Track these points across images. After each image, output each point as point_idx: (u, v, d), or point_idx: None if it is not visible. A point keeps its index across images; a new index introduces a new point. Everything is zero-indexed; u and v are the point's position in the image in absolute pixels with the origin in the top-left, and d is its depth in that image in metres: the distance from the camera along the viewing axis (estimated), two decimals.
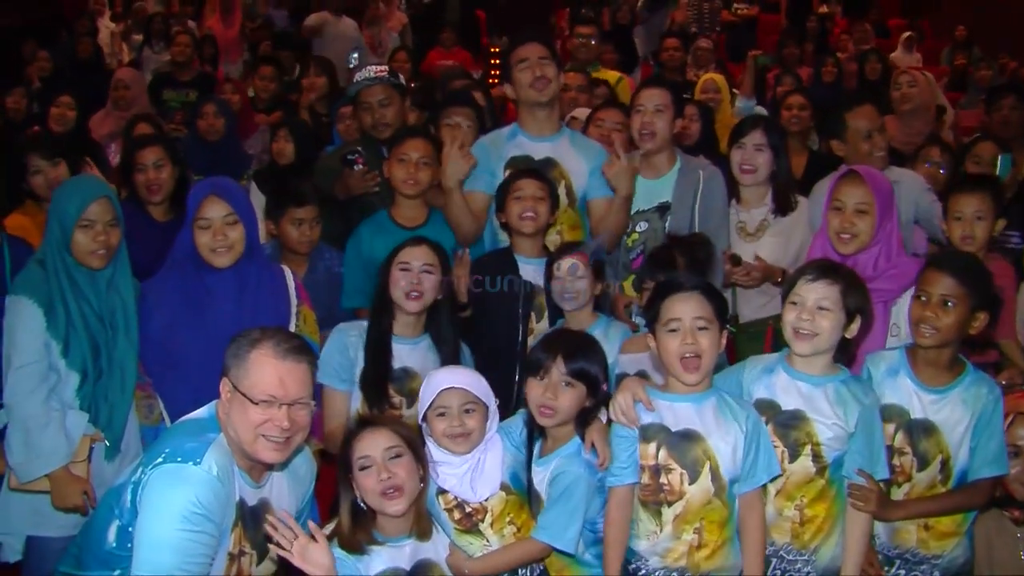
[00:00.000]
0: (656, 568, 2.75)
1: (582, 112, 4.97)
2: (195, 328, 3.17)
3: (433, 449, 2.85)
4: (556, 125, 4.03)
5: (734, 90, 6.97)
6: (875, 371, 3.02)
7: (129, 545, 2.40)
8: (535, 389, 2.83)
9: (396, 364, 3.28)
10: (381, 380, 3.25)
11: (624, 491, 2.76)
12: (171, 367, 3.21)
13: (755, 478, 2.74)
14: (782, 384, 2.87)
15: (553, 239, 3.80)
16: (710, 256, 3.56)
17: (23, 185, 4.13)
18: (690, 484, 2.71)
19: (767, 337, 3.84)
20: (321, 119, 6.12)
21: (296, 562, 2.48)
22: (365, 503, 2.72)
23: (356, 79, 4.60)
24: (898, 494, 2.97)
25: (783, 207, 4.01)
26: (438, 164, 3.85)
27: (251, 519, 2.56)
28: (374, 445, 2.70)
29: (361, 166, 4.33)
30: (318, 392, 2.96)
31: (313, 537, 2.52)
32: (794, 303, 2.82)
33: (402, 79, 4.77)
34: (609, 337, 3.36)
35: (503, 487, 2.87)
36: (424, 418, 2.86)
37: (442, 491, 2.86)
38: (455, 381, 2.83)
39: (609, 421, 2.84)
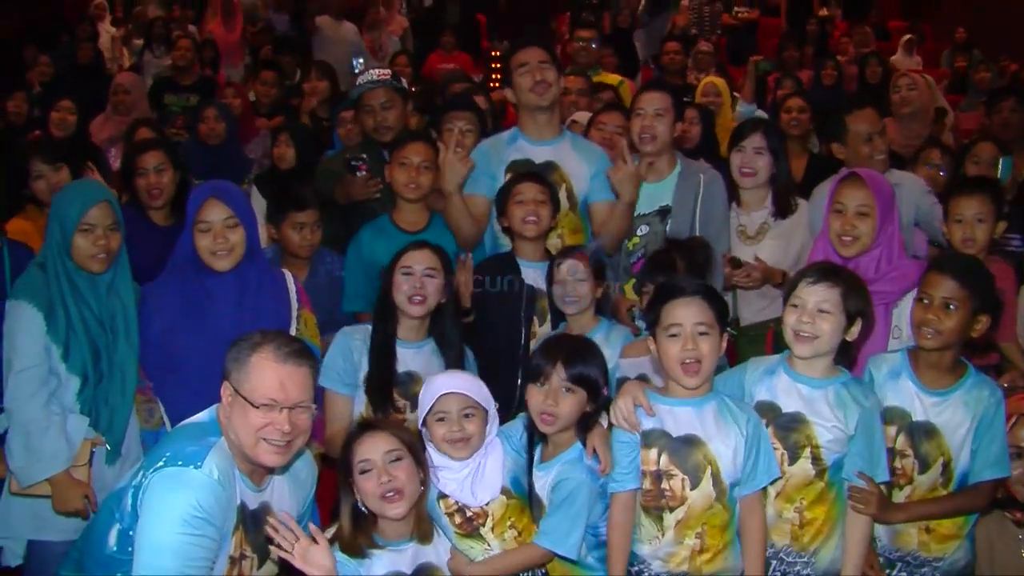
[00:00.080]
0: (659, 572, 2.75)
1: (582, 116, 4.97)
2: (195, 331, 3.17)
3: (433, 454, 2.85)
4: (557, 129, 4.03)
5: (735, 93, 6.97)
6: (877, 373, 3.02)
7: (130, 549, 2.39)
8: (536, 396, 2.83)
9: (400, 368, 3.28)
10: (385, 384, 3.24)
11: (627, 496, 2.76)
12: (171, 370, 3.20)
13: (755, 481, 2.74)
14: (783, 386, 2.87)
15: (554, 243, 3.80)
16: (709, 259, 3.56)
17: (25, 190, 4.14)
18: (692, 489, 2.71)
19: (768, 340, 3.84)
20: (322, 123, 6.12)
21: (297, 564, 2.48)
22: (366, 507, 2.72)
23: (359, 82, 4.61)
24: (899, 496, 2.97)
25: (783, 210, 4.01)
26: (439, 168, 3.86)
27: (252, 523, 2.56)
28: (374, 449, 2.70)
29: (364, 173, 4.34)
30: (320, 396, 2.97)
31: (314, 539, 2.52)
32: (795, 306, 2.82)
33: (404, 83, 4.78)
34: (610, 341, 3.36)
35: (504, 491, 2.87)
36: (424, 423, 2.86)
37: (443, 495, 2.86)
38: (454, 386, 2.83)
39: (610, 426, 2.84)
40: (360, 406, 3.27)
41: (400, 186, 3.89)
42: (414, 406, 3.18)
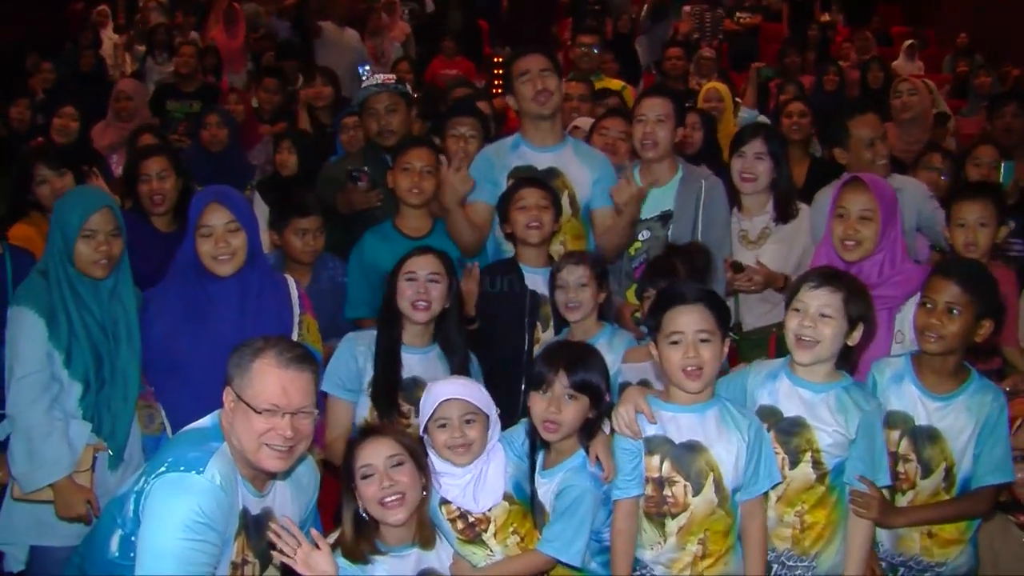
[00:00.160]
0: None
1: (584, 121, 4.97)
2: (197, 336, 3.17)
3: (435, 460, 2.84)
4: (559, 135, 4.02)
5: (737, 99, 6.98)
6: (880, 378, 3.02)
7: (132, 555, 2.39)
8: (539, 403, 2.82)
9: (405, 374, 3.27)
10: (391, 390, 3.24)
11: (630, 503, 2.76)
12: (173, 375, 3.20)
13: (757, 486, 2.74)
14: (784, 390, 2.87)
15: (557, 249, 3.79)
16: (709, 264, 3.56)
17: (28, 195, 4.14)
18: (694, 496, 2.71)
19: (770, 345, 3.83)
20: (324, 129, 6.13)
21: (299, 569, 2.48)
22: (367, 512, 2.72)
23: (363, 86, 4.62)
24: (902, 501, 2.97)
25: (784, 215, 4.02)
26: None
27: (254, 528, 2.56)
28: (376, 454, 2.70)
29: (364, 183, 4.35)
30: (322, 401, 2.97)
31: (316, 545, 2.52)
32: (797, 310, 2.82)
33: (409, 88, 4.79)
34: (613, 346, 3.36)
35: (506, 497, 2.86)
36: (425, 429, 2.86)
37: (445, 501, 2.85)
38: (455, 392, 2.82)
39: (612, 432, 2.84)
40: (364, 411, 3.26)
41: (403, 191, 3.89)
42: (419, 412, 3.18)
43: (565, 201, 3.84)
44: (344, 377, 3.27)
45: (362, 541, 2.72)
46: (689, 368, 2.70)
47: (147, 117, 6.73)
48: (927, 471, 2.94)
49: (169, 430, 3.19)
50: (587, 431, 2.84)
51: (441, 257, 3.34)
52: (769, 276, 3.79)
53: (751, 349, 3.92)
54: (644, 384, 3.14)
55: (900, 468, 2.95)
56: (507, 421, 3.02)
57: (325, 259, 4.09)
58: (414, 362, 3.29)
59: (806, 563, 2.84)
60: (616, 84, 6.57)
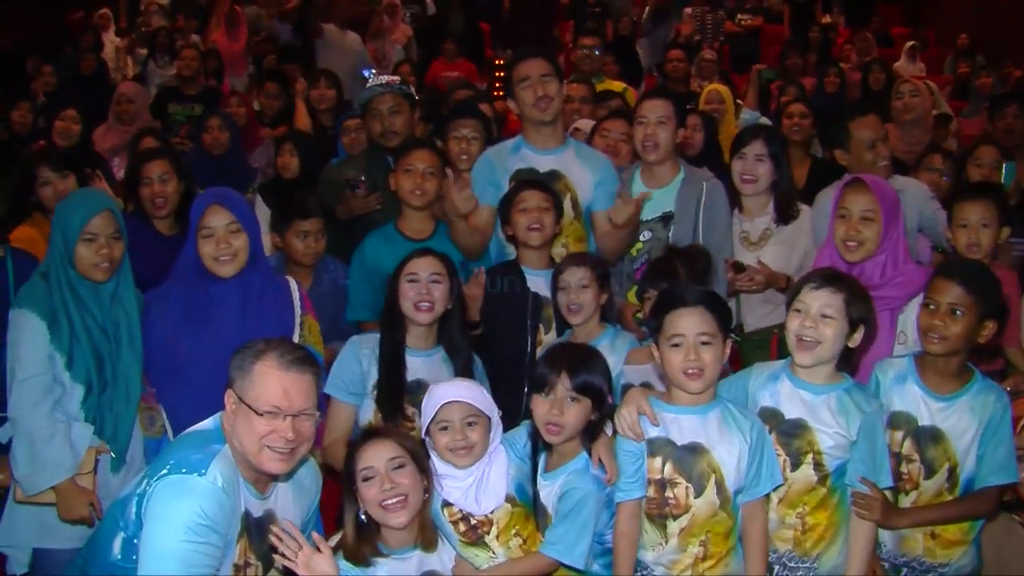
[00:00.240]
0: None
1: (585, 123, 4.98)
2: (199, 338, 3.17)
3: (437, 462, 2.84)
4: (561, 138, 4.01)
5: (738, 101, 6.98)
6: (883, 378, 3.02)
7: (134, 557, 2.39)
8: (541, 406, 2.82)
9: (410, 376, 3.26)
10: (396, 393, 3.23)
11: (632, 505, 2.76)
12: (174, 377, 3.20)
13: (758, 488, 2.74)
14: (786, 392, 2.87)
15: (559, 251, 3.79)
16: (709, 267, 3.56)
17: (31, 197, 4.15)
18: (696, 498, 2.71)
19: (772, 346, 3.83)
20: (326, 132, 6.13)
21: (301, 572, 2.47)
22: (368, 515, 2.72)
23: (368, 86, 4.62)
24: (905, 502, 2.97)
25: (785, 216, 4.02)
26: (444, 175, 3.86)
27: (256, 531, 2.56)
28: (377, 456, 2.70)
29: (362, 191, 4.35)
30: (324, 403, 2.96)
31: (318, 548, 2.52)
32: (798, 311, 2.82)
33: (412, 90, 4.79)
34: (616, 348, 3.37)
35: (508, 499, 2.86)
36: (427, 432, 2.85)
37: (447, 503, 2.85)
38: (456, 395, 2.82)
39: (614, 434, 2.84)
40: (368, 414, 3.26)
41: (405, 193, 3.89)
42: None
43: (567, 204, 3.83)
44: (347, 380, 3.27)
45: (364, 544, 2.72)
46: (690, 371, 2.70)
47: (148, 120, 6.73)
48: (930, 471, 2.93)
49: (170, 432, 3.19)
50: (589, 433, 2.83)
51: (442, 258, 3.33)
52: (771, 276, 3.79)
53: (753, 351, 3.92)
54: (646, 386, 3.13)
55: (903, 468, 2.95)
56: (509, 424, 3.02)
57: (326, 261, 4.10)
58: (418, 365, 3.29)
59: (807, 564, 2.84)
60: (618, 86, 6.58)
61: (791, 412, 2.84)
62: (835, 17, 12.40)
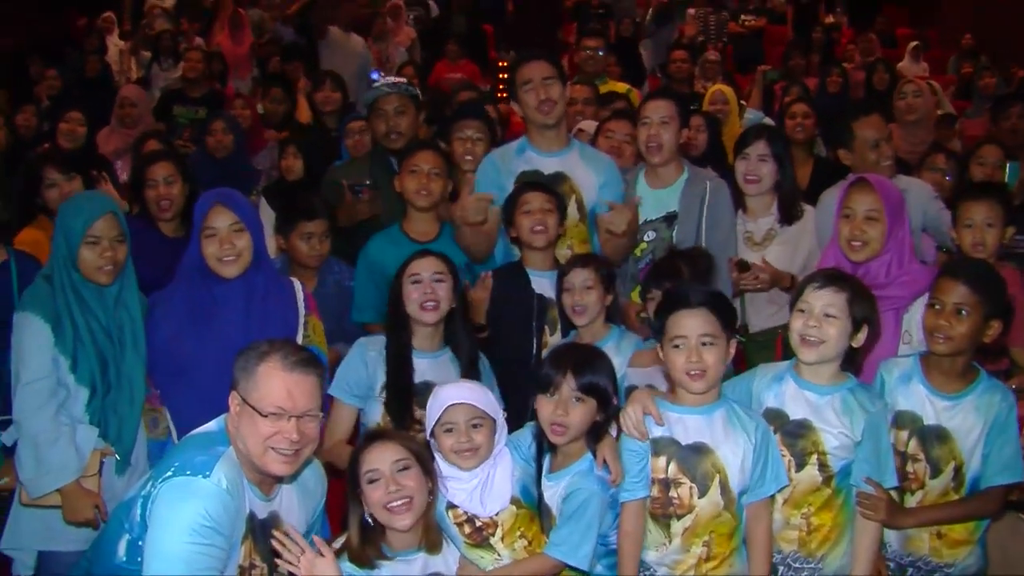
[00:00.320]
0: None
1: (589, 125, 4.97)
2: (202, 338, 3.17)
3: (442, 464, 2.84)
4: (565, 140, 4.00)
5: (742, 102, 6.98)
6: (888, 378, 3.02)
7: (139, 559, 2.39)
8: (546, 406, 2.81)
9: (417, 378, 3.25)
10: (405, 396, 3.23)
11: (637, 504, 2.76)
12: (179, 377, 3.20)
13: (763, 489, 2.74)
14: (790, 393, 2.87)
15: (564, 253, 3.78)
16: (711, 269, 3.55)
17: (37, 199, 4.15)
18: (699, 498, 2.72)
19: (777, 346, 3.83)
20: (330, 134, 6.14)
21: None
22: (373, 517, 2.72)
23: (374, 86, 4.62)
24: (911, 501, 2.96)
25: (788, 216, 4.02)
26: (449, 176, 3.86)
27: (261, 532, 2.56)
28: (382, 458, 2.70)
29: (366, 195, 4.35)
30: (328, 404, 2.96)
31: (320, 552, 2.52)
32: (801, 310, 2.82)
33: (418, 91, 4.79)
34: (621, 349, 3.36)
35: (513, 501, 2.86)
36: (432, 433, 2.85)
37: (452, 505, 2.84)
38: (461, 396, 2.82)
39: (619, 434, 2.84)
40: (377, 416, 3.26)
41: (411, 193, 3.88)
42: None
43: (572, 206, 3.83)
44: (352, 383, 3.27)
45: (368, 546, 2.72)
46: (692, 372, 2.70)
47: (150, 124, 6.74)
48: (936, 471, 2.93)
49: (175, 433, 3.20)
50: (594, 434, 2.83)
51: (442, 258, 3.34)
52: (776, 274, 3.79)
53: (758, 351, 3.92)
54: (650, 388, 3.13)
55: (909, 468, 2.95)
56: (515, 425, 3.02)
57: (331, 263, 4.10)
58: (425, 366, 3.28)
59: (812, 565, 2.84)
60: (622, 87, 6.58)
61: (796, 413, 2.84)
62: (838, 17, 12.38)
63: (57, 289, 3.16)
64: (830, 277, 2.85)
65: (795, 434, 2.83)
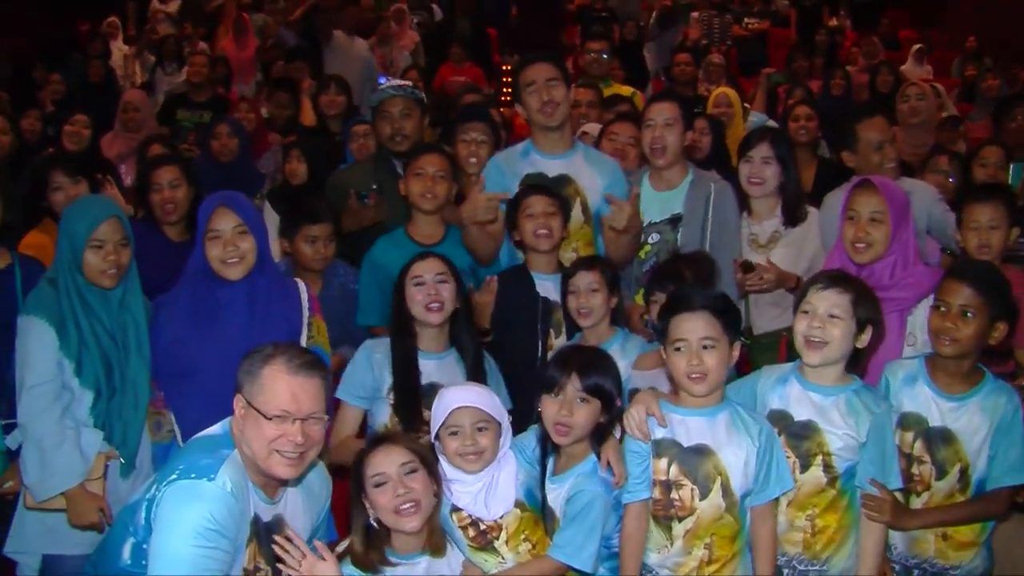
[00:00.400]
0: None
1: (593, 127, 4.97)
2: (207, 340, 3.17)
3: (446, 467, 2.84)
4: (569, 142, 4.00)
5: (746, 104, 6.98)
6: (893, 380, 3.02)
7: (144, 562, 2.40)
8: (550, 406, 2.82)
9: (424, 380, 3.25)
10: (412, 398, 3.23)
11: (639, 506, 2.76)
12: (183, 380, 3.20)
13: (767, 491, 2.74)
14: (795, 395, 2.87)
15: (569, 256, 3.78)
16: (713, 273, 3.55)
17: (42, 203, 4.15)
18: (701, 500, 2.71)
19: (781, 348, 3.82)
20: (334, 138, 6.14)
21: None
22: (379, 521, 2.71)
23: (379, 89, 4.62)
24: (917, 503, 2.96)
25: (793, 218, 4.01)
26: (454, 179, 3.86)
27: (266, 535, 2.56)
28: (389, 462, 2.69)
29: (373, 201, 4.35)
30: (333, 407, 2.96)
31: (322, 556, 2.52)
32: (805, 312, 2.83)
33: (423, 94, 4.79)
34: (626, 351, 3.37)
35: (518, 504, 2.85)
36: (436, 436, 2.85)
37: (456, 508, 2.84)
38: (466, 400, 2.82)
39: (622, 435, 2.83)
40: (384, 418, 3.26)
41: (416, 196, 3.88)
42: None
43: (577, 208, 3.83)
44: (359, 385, 3.28)
45: (372, 550, 2.72)
46: (693, 375, 2.70)
47: (154, 128, 6.76)
48: (942, 472, 2.93)
49: (179, 436, 3.20)
50: (598, 436, 2.84)
51: (444, 259, 3.34)
52: (780, 275, 3.78)
53: (762, 353, 3.91)
54: (653, 391, 3.13)
55: (915, 470, 2.94)
56: (520, 428, 3.02)
57: (336, 266, 4.10)
58: (431, 368, 3.29)
59: (817, 567, 2.83)
60: (626, 90, 6.57)
61: (800, 414, 2.84)
62: (842, 20, 12.39)
63: (61, 293, 3.16)
64: (834, 278, 2.85)
65: (800, 435, 2.82)
